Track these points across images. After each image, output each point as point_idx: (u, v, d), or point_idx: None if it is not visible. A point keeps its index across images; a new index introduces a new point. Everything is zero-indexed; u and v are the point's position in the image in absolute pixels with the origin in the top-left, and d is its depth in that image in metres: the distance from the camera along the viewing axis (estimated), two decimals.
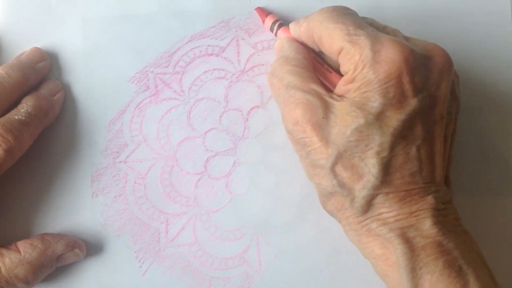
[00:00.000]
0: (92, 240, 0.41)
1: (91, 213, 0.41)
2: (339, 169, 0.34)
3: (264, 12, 0.43)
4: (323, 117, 0.34)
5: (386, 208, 0.34)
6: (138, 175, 0.42)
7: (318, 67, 0.39)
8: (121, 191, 0.42)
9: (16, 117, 0.38)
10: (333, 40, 0.36)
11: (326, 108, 0.35)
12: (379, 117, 0.34)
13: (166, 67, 0.43)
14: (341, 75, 0.37)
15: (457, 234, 0.34)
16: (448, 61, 0.36)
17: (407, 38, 0.37)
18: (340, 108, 0.34)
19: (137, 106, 0.42)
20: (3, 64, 0.40)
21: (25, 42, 0.43)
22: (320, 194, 0.36)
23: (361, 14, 0.38)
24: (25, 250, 0.38)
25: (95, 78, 0.43)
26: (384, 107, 0.33)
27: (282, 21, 0.42)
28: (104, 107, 0.42)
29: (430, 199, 0.34)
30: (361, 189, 0.34)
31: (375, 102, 0.34)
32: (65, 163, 0.42)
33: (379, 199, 0.34)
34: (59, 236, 0.40)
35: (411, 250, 0.33)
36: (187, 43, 0.43)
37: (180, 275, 0.41)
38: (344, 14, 0.36)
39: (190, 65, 0.43)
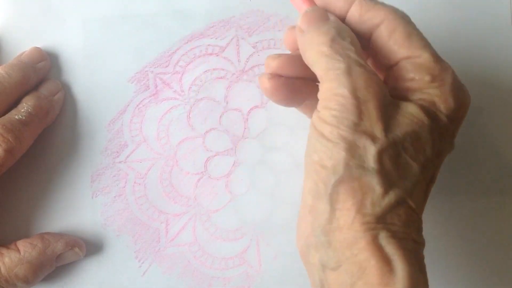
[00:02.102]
0: (92, 240, 0.41)
1: (91, 213, 0.41)
2: (385, 157, 0.31)
3: None
4: (390, 101, 0.32)
5: (400, 221, 0.30)
6: (138, 175, 0.42)
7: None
8: (121, 191, 0.42)
9: (16, 117, 0.38)
10: (411, 42, 0.33)
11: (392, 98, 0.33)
12: (439, 134, 0.33)
13: (166, 67, 0.43)
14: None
15: None
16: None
17: None
18: (406, 105, 0.33)
19: (137, 106, 0.42)
20: (3, 64, 0.40)
21: (25, 42, 0.43)
22: (344, 168, 0.31)
23: None
24: (25, 249, 0.38)
25: (95, 78, 0.43)
26: (445, 131, 0.33)
27: None
28: (104, 107, 0.42)
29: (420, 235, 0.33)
30: (399, 188, 0.31)
31: (442, 120, 0.33)
32: (65, 163, 0.42)
33: (401, 209, 0.30)
34: (58, 235, 0.40)
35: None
36: (187, 43, 0.43)
37: (180, 275, 0.41)
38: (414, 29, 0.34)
39: (190, 65, 0.43)
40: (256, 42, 0.43)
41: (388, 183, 0.30)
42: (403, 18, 0.34)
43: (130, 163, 0.42)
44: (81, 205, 0.41)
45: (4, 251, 0.38)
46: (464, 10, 0.43)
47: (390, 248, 0.29)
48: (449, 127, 0.33)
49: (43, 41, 0.43)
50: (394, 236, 0.30)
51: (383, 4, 0.34)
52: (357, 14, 0.34)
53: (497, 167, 0.42)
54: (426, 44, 0.33)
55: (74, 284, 0.40)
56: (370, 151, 0.30)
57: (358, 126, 0.31)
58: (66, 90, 0.42)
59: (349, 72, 0.31)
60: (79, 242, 0.40)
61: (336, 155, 0.31)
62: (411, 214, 0.31)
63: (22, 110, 0.39)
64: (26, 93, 0.40)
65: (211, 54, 0.43)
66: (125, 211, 0.41)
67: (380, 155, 0.30)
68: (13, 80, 0.39)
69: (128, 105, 0.42)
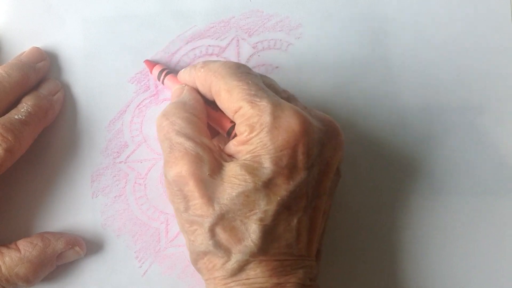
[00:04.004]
0: (92, 240, 0.41)
1: (91, 213, 0.41)
2: (218, 230, 0.33)
3: (151, 63, 0.42)
4: (208, 174, 0.33)
5: (255, 274, 0.33)
6: (138, 175, 0.42)
7: (210, 111, 0.38)
8: (121, 191, 0.42)
9: (16, 117, 0.38)
10: (232, 97, 0.34)
11: (214, 167, 0.34)
12: (268, 185, 0.33)
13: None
14: (233, 122, 0.36)
15: None
16: (341, 139, 0.36)
17: (305, 108, 0.37)
18: (229, 169, 0.34)
19: (138, 106, 0.42)
20: (3, 64, 0.40)
21: (25, 42, 0.43)
22: (192, 251, 0.35)
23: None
24: (25, 248, 0.38)
25: (95, 78, 0.42)
26: (274, 175, 0.33)
27: (169, 70, 0.41)
28: (104, 107, 0.42)
29: (300, 273, 0.34)
30: (237, 253, 0.33)
31: (266, 169, 0.33)
32: (65, 163, 0.41)
33: (251, 265, 0.33)
34: (59, 234, 0.40)
35: None
36: (187, 43, 0.43)
37: (180, 275, 0.41)
38: (248, 74, 0.36)
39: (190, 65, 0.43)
40: (256, 43, 0.43)
41: (226, 252, 0.33)
42: (225, 75, 0.35)
43: (131, 163, 0.42)
44: (81, 205, 0.41)
45: (5, 250, 0.38)
46: (464, 10, 0.44)
47: None
48: (277, 170, 0.33)
49: (43, 41, 0.43)
50: None
51: (209, 67, 0.36)
52: (197, 84, 0.37)
53: (497, 167, 0.42)
54: (245, 94, 0.34)
55: (74, 284, 0.40)
56: (203, 230, 0.33)
57: (188, 212, 0.34)
58: (66, 90, 0.42)
59: (165, 160, 0.35)
60: (80, 241, 0.40)
61: (186, 240, 0.36)
62: (270, 264, 0.33)
63: (22, 110, 0.39)
64: (26, 93, 0.40)
65: (211, 54, 0.43)
66: (125, 211, 0.41)
67: (211, 231, 0.33)
68: (13, 80, 0.39)
69: (129, 105, 0.42)
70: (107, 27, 0.43)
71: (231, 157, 0.35)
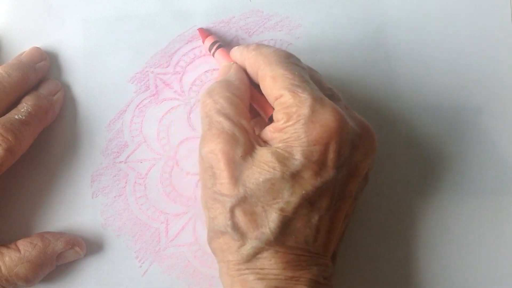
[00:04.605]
0: (92, 240, 0.41)
1: (91, 213, 0.41)
2: (238, 212, 0.33)
3: (204, 33, 0.42)
4: (241, 156, 0.34)
5: (270, 265, 0.33)
6: (138, 175, 0.42)
7: (256, 94, 0.38)
8: (121, 191, 0.42)
9: (16, 117, 0.38)
10: (276, 84, 0.35)
11: (248, 149, 0.34)
12: (295, 176, 0.33)
13: (167, 67, 0.43)
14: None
15: None
16: (374, 146, 0.36)
17: (347, 108, 0.37)
18: (260, 154, 0.34)
19: (138, 106, 0.42)
20: (3, 64, 0.40)
21: (25, 42, 0.43)
22: (210, 229, 0.35)
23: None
24: (25, 248, 0.38)
25: (95, 78, 0.43)
26: (303, 168, 0.33)
27: (221, 43, 0.41)
28: (104, 107, 0.42)
29: (314, 270, 0.34)
30: (254, 239, 0.33)
31: (296, 161, 0.33)
32: (65, 163, 0.41)
33: (266, 254, 0.33)
34: (58, 234, 0.40)
35: None
36: (187, 43, 0.43)
37: (180, 275, 0.41)
38: (296, 65, 0.36)
39: (190, 65, 0.43)
40: (256, 43, 0.43)
41: (243, 236, 0.34)
42: (274, 62, 0.35)
43: (131, 163, 0.42)
44: (81, 205, 0.41)
45: (4, 250, 0.38)
46: (464, 10, 0.44)
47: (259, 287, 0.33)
48: (306, 163, 0.33)
49: (43, 41, 0.43)
50: (264, 278, 0.33)
51: (260, 51, 0.37)
52: (247, 64, 0.38)
53: (497, 167, 0.42)
54: (289, 83, 0.34)
55: (74, 284, 0.40)
56: (224, 209, 0.34)
57: (213, 188, 0.34)
58: (66, 90, 0.42)
59: (202, 136, 0.36)
60: (79, 241, 0.40)
61: (206, 217, 0.36)
62: (285, 257, 0.33)
63: (22, 110, 0.39)
64: (26, 93, 0.40)
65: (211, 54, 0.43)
66: (125, 211, 0.41)
67: (232, 211, 0.34)
68: (13, 80, 0.39)
69: (129, 105, 0.42)
70: (107, 27, 0.43)
71: (266, 142, 0.35)
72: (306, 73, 0.36)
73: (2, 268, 0.37)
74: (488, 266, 0.41)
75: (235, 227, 0.34)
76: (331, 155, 0.33)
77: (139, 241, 0.41)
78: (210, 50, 0.42)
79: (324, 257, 0.35)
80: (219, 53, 0.41)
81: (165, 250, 0.41)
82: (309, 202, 0.33)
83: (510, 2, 0.44)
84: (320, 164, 0.33)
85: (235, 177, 0.34)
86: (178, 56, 0.43)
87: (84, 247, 0.40)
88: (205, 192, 0.35)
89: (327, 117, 0.33)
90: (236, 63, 0.39)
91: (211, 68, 0.43)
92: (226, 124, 0.35)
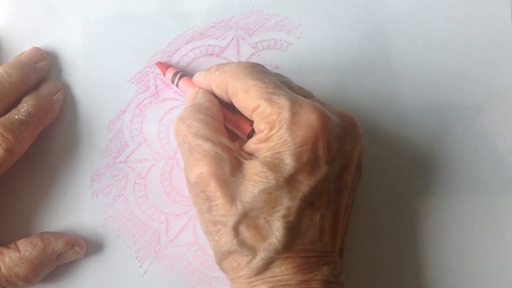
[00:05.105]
0: (92, 240, 0.41)
1: (91, 213, 0.41)
2: (242, 228, 0.33)
3: (164, 65, 0.42)
4: (230, 173, 0.33)
5: (280, 272, 0.33)
6: (138, 175, 0.42)
7: (228, 115, 0.38)
8: (121, 191, 0.42)
9: (16, 117, 0.38)
10: (249, 96, 0.34)
11: (235, 165, 0.34)
12: (289, 181, 0.33)
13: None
14: (251, 122, 0.36)
15: None
16: (359, 132, 0.36)
17: (323, 104, 0.37)
18: (249, 166, 0.34)
19: (138, 106, 0.42)
20: (3, 64, 0.40)
21: (25, 42, 0.43)
22: (216, 251, 0.35)
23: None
24: (25, 248, 0.38)
25: (95, 78, 0.43)
26: (296, 171, 0.33)
27: (183, 73, 0.41)
28: (104, 107, 0.42)
29: (325, 270, 0.34)
30: (262, 251, 0.33)
31: (288, 165, 0.33)
32: (65, 163, 0.41)
33: (276, 262, 0.33)
34: (58, 234, 0.40)
35: None
36: (187, 43, 0.43)
37: (180, 275, 0.41)
38: (264, 73, 0.36)
39: (190, 65, 0.43)
40: (256, 43, 0.43)
41: (251, 250, 0.33)
42: (241, 75, 0.35)
43: (131, 163, 0.42)
44: (81, 205, 0.41)
45: (4, 250, 0.38)
46: (464, 10, 0.44)
47: None
48: (298, 166, 0.33)
49: (43, 41, 0.43)
50: (276, 285, 0.33)
51: (223, 69, 0.36)
52: (213, 86, 0.38)
53: (497, 167, 0.42)
54: (263, 92, 0.34)
55: (74, 284, 0.40)
56: (227, 229, 0.34)
57: (211, 212, 0.34)
58: (66, 90, 0.42)
59: (185, 164, 0.35)
60: (79, 241, 0.40)
61: (209, 241, 0.36)
62: (294, 261, 0.33)
63: (22, 110, 0.39)
64: (26, 93, 0.40)
65: (211, 54, 0.43)
66: (125, 211, 0.41)
67: (235, 229, 0.33)
68: (13, 80, 0.39)
69: (129, 105, 0.42)
70: (107, 27, 0.43)
71: (251, 155, 0.35)
72: (276, 78, 0.36)
73: (2, 268, 0.37)
74: (488, 266, 0.41)
75: (242, 243, 0.33)
76: (320, 152, 0.33)
77: (139, 241, 0.41)
78: (173, 81, 0.41)
79: (333, 254, 0.35)
80: (183, 82, 0.41)
81: (165, 250, 0.41)
82: (308, 203, 0.33)
83: (510, 2, 0.44)
84: (311, 164, 0.33)
85: (230, 195, 0.33)
86: (178, 56, 0.43)
87: (84, 247, 0.40)
88: (203, 217, 0.35)
89: (308, 116, 0.33)
90: (202, 88, 0.39)
91: None
92: (207, 146, 0.34)
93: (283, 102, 0.34)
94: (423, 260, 0.41)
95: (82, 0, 0.43)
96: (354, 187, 0.38)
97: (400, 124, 0.43)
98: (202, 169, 0.34)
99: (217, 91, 0.37)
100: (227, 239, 0.34)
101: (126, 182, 0.42)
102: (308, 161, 0.33)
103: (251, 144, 0.35)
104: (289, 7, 0.44)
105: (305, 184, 0.33)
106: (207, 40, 0.43)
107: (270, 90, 0.34)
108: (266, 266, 0.33)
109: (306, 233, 0.34)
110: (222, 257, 0.35)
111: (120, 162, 0.42)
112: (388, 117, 0.43)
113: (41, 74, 0.42)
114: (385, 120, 0.42)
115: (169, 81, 0.42)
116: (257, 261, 0.33)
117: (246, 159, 0.34)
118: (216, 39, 0.43)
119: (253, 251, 0.33)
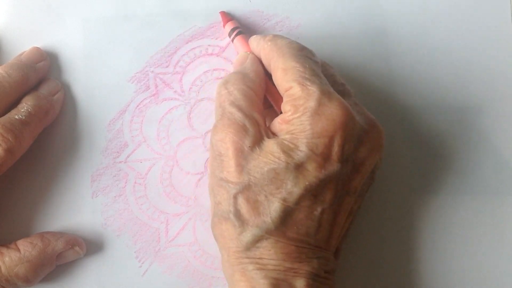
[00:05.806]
0: (92, 240, 0.41)
1: (91, 213, 0.41)
2: (241, 199, 0.34)
3: (226, 17, 0.42)
4: (249, 146, 0.34)
5: (269, 255, 0.34)
6: (138, 175, 0.42)
7: (270, 87, 0.38)
8: (121, 191, 0.42)
9: (16, 117, 0.38)
10: (286, 76, 0.35)
11: (256, 140, 0.35)
12: (299, 167, 0.33)
13: (166, 67, 0.43)
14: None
15: None
16: (381, 143, 0.37)
17: (356, 104, 0.37)
18: (267, 144, 0.34)
19: (138, 106, 0.42)
20: (3, 64, 0.40)
21: (25, 42, 0.43)
22: (214, 214, 0.36)
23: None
24: (25, 248, 0.38)
25: (95, 78, 0.43)
26: (307, 159, 0.33)
27: (242, 30, 0.42)
28: (104, 107, 0.42)
29: (314, 263, 0.34)
30: (254, 227, 0.34)
31: (301, 152, 0.33)
32: (65, 163, 0.41)
33: (266, 243, 0.34)
34: (58, 234, 0.40)
35: None
36: (187, 43, 0.43)
37: (180, 275, 0.41)
38: (308, 58, 0.36)
39: (190, 65, 0.43)
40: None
41: (244, 223, 0.34)
42: (286, 54, 0.36)
43: (131, 163, 0.42)
44: (81, 205, 0.41)
45: (4, 250, 0.38)
46: (464, 10, 0.44)
47: (259, 278, 0.33)
48: (310, 155, 0.33)
49: (43, 41, 0.43)
50: (263, 268, 0.34)
51: (276, 42, 0.37)
52: (262, 55, 0.38)
53: (497, 167, 0.42)
54: (299, 76, 0.35)
55: (74, 284, 0.40)
56: (228, 196, 0.34)
57: (220, 175, 0.35)
58: (66, 90, 0.42)
59: (214, 125, 0.36)
60: (79, 241, 0.40)
61: (211, 203, 0.37)
62: (285, 248, 0.34)
63: (22, 110, 0.39)
64: (26, 93, 0.40)
65: (211, 54, 0.43)
66: (125, 211, 0.41)
67: (235, 198, 0.34)
68: (13, 80, 0.39)
69: (129, 105, 0.42)
70: (107, 27, 0.43)
71: (274, 134, 0.36)
72: (319, 66, 0.37)
73: (2, 268, 0.37)
74: (488, 266, 0.41)
75: (237, 214, 0.34)
76: (335, 148, 0.34)
77: (139, 241, 0.41)
78: (229, 35, 0.42)
79: (325, 251, 0.35)
80: (238, 40, 0.41)
81: (165, 250, 0.41)
82: (312, 194, 0.34)
83: (510, 2, 0.44)
84: (324, 157, 0.34)
85: (241, 166, 0.34)
86: (178, 56, 0.43)
87: (84, 247, 0.40)
88: (213, 178, 0.36)
89: (333, 111, 0.34)
90: (253, 53, 0.39)
91: (211, 68, 0.43)
92: (238, 115, 0.35)
93: (314, 91, 0.34)
94: (423, 260, 0.41)
95: (82, 0, 0.43)
96: (362, 194, 0.38)
97: (400, 124, 0.43)
98: (226, 135, 0.35)
99: (264, 60, 0.38)
100: (225, 205, 0.35)
101: (126, 182, 0.42)
102: (322, 153, 0.33)
103: (275, 123, 0.36)
104: (289, 7, 0.44)
105: (313, 175, 0.33)
106: (207, 40, 0.43)
107: (306, 76, 0.35)
108: (255, 243, 0.34)
109: (303, 223, 0.34)
110: (217, 222, 0.35)
111: (120, 162, 0.42)
112: (388, 117, 0.43)
113: (41, 74, 0.42)
114: (385, 120, 0.42)
115: (227, 34, 0.42)
116: (248, 235, 0.34)
117: (269, 138, 0.35)
118: (216, 39, 0.43)
119: (245, 224, 0.34)
